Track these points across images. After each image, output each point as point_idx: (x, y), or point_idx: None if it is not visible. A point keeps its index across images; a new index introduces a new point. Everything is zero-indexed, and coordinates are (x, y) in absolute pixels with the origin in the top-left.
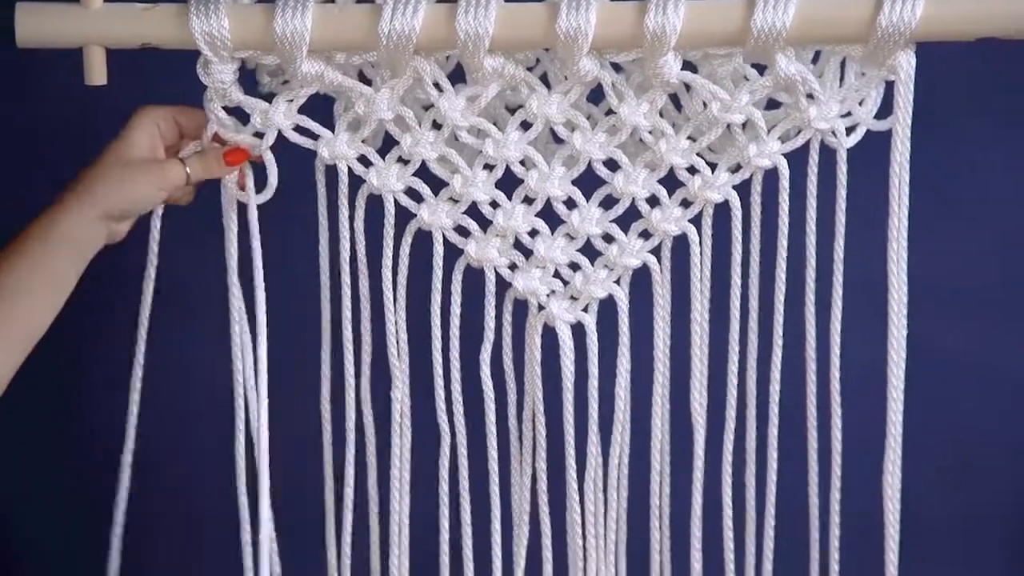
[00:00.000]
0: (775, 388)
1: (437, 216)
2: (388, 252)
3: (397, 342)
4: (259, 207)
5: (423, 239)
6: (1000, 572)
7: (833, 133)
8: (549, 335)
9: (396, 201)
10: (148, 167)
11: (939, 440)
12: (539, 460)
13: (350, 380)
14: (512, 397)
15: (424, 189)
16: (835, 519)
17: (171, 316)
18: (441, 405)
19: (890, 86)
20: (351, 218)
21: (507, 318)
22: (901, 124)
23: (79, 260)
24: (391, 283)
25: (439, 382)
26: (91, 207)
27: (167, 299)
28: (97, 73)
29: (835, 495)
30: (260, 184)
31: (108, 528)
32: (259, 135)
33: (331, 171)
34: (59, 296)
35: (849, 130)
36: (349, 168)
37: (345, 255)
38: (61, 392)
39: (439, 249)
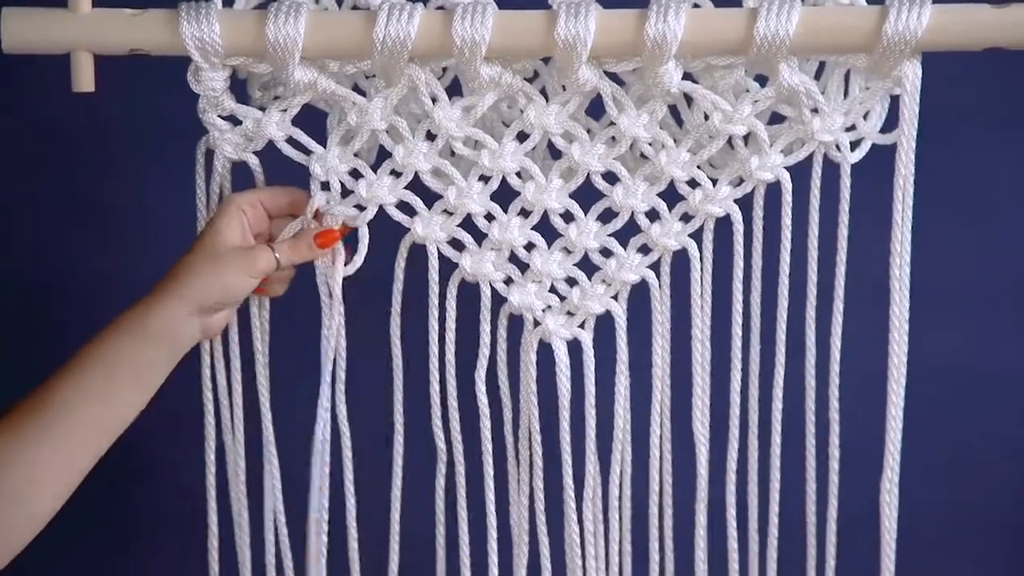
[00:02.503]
0: (777, 405)
1: (431, 229)
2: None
3: (392, 358)
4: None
5: (416, 252)
6: (1000, 574)
7: (837, 147)
8: (546, 351)
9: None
10: (237, 255)
11: (939, 444)
12: (536, 479)
13: (340, 395)
14: (508, 415)
15: (417, 202)
16: (831, 538)
17: None
18: (437, 423)
19: (896, 99)
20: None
21: (502, 334)
22: (906, 137)
23: (169, 357)
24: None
25: (435, 399)
26: (182, 301)
27: None
28: (85, 80)
29: (832, 513)
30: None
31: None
32: (360, 207)
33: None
34: (146, 392)
35: (853, 144)
36: (342, 184)
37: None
38: None
39: (434, 263)
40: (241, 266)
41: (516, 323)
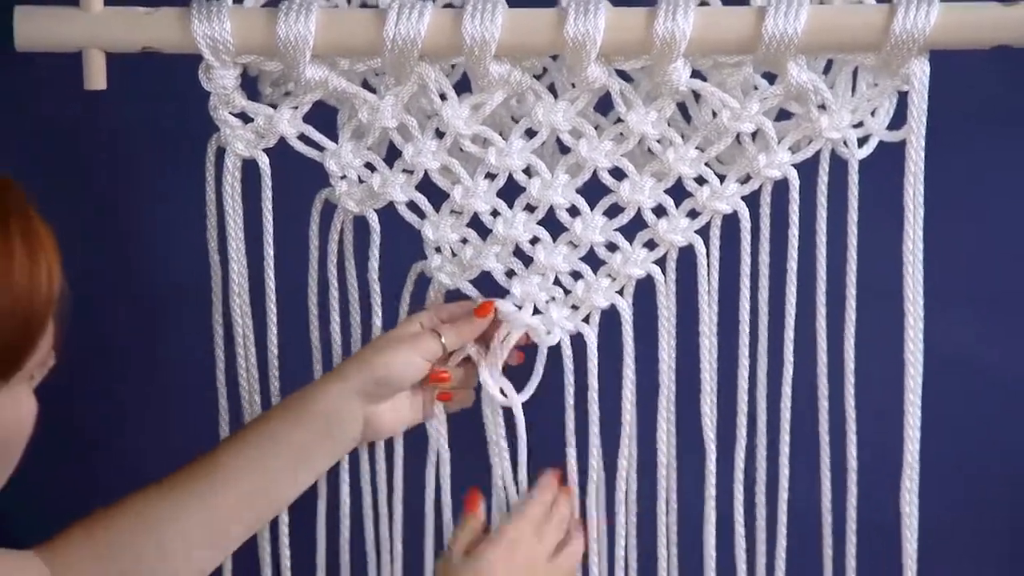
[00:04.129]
0: (786, 404)
1: (443, 232)
2: (375, 264)
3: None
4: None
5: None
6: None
7: (844, 143)
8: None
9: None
10: (403, 339)
11: (949, 443)
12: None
13: None
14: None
15: (427, 206)
16: (851, 537)
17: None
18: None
19: (904, 96)
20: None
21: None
22: (915, 134)
23: (331, 439)
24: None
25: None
26: (342, 380)
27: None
28: (96, 77)
29: (851, 513)
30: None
31: None
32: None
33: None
34: (306, 473)
35: (861, 141)
36: (359, 177)
37: (331, 268)
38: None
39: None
40: (406, 346)
41: None
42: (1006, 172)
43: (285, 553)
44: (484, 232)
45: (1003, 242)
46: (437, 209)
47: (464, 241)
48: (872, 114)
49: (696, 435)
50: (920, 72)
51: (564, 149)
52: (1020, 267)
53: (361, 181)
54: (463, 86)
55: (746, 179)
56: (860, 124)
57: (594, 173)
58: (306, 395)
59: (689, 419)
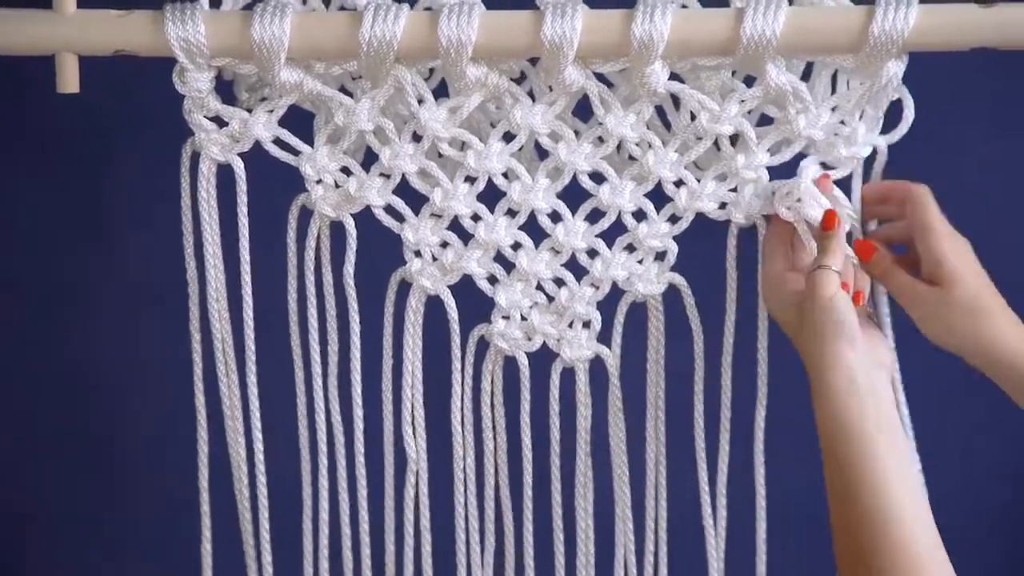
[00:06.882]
0: (762, 402)
1: (423, 235)
2: (350, 269)
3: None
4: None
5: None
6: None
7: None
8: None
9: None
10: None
11: (939, 442)
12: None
13: (319, 393)
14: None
15: (406, 209)
16: None
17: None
18: (408, 423)
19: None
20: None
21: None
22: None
23: None
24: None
25: (405, 403)
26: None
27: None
28: (69, 81)
29: None
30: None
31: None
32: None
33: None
34: None
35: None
36: (335, 181)
37: (309, 275)
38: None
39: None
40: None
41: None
42: (987, 173)
43: (266, 549)
44: (465, 238)
45: (990, 244)
46: (416, 213)
47: (444, 245)
48: (857, 117)
49: (680, 437)
50: (898, 74)
51: (543, 155)
52: (1014, 267)
53: (337, 186)
54: (440, 93)
55: (723, 178)
56: (842, 123)
57: (574, 179)
58: None
59: (677, 423)
